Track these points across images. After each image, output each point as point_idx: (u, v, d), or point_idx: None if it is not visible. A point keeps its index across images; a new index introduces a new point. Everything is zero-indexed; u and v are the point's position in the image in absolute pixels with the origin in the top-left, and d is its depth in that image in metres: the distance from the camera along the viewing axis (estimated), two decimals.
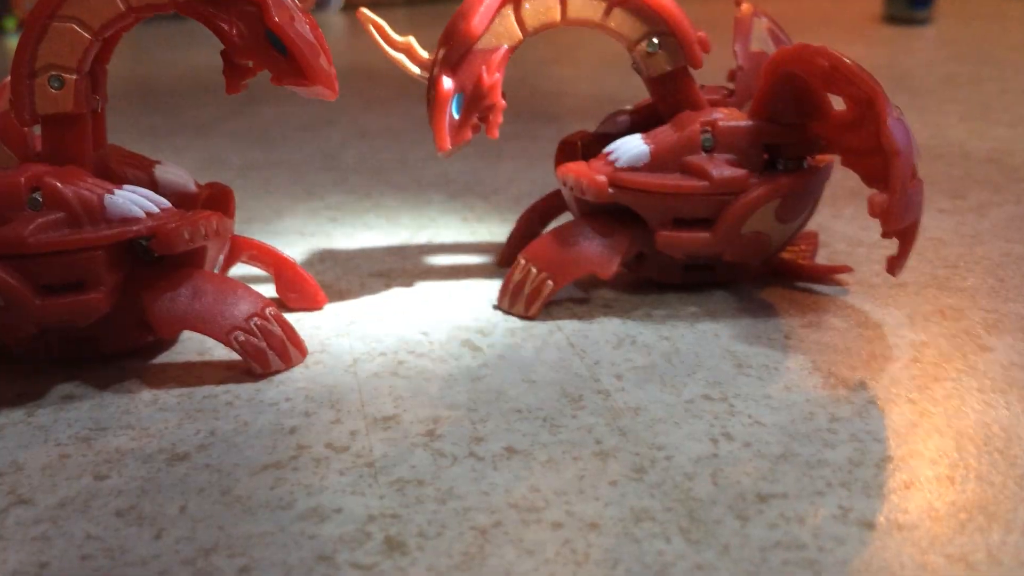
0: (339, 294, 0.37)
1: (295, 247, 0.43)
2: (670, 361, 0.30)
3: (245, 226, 0.46)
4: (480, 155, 0.57)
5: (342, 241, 0.43)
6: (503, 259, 0.39)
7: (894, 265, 0.28)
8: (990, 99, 0.65)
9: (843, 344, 0.30)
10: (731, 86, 0.37)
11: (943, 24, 1.01)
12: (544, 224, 0.39)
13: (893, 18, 1.02)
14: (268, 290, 0.36)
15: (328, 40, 0.31)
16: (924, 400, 0.27)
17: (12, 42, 1.32)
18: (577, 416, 0.27)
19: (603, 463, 0.24)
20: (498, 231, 0.44)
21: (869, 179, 0.30)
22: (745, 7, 0.37)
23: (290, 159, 0.58)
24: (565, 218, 0.40)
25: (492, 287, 0.37)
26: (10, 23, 1.41)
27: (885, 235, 0.28)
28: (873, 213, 0.27)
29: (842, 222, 0.41)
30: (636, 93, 0.35)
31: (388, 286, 0.38)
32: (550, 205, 0.38)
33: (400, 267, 0.40)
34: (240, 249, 0.35)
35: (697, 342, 0.31)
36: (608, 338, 0.32)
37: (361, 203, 0.49)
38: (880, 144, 0.28)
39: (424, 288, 0.37)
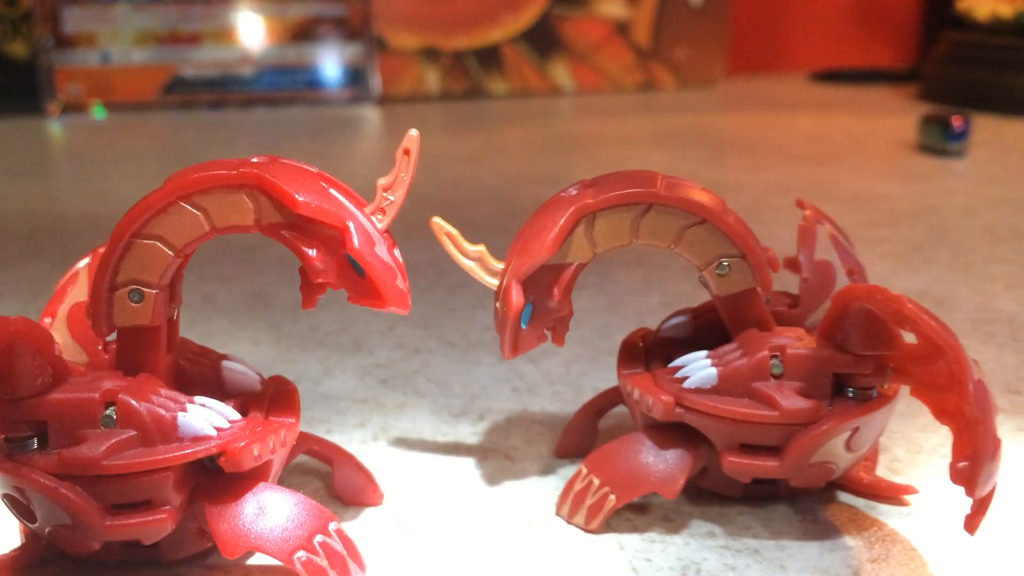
0: (394, 484, 0.37)
1: (347, 417, 0.43)
2: None
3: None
4: None
5: (394, 411, 0.43)
6: (559, 451, 0.39)
7: (972, 525, 0.28)
8: None
9: None
10: (792, 288, 0.37)
11: (978, 157, 1.02)
12: (600, 417, 0.39)
13: (927, 148, 1.03)
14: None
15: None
16: None
17: (54, 127, 1.35)
18: None
19: None
20: (550, 406, 0.44)
21: (939, 414, 0.30)
22: (809, 214, 0.37)
23: (336, 297, 0.58)
24: (620, 411, 0.40)
25: (548, 484, 0.37)
26: (55, 107, 1.44)
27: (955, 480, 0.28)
28: (956, 482, 0.27)
29: (901, 423, 0.41)
30: None
31: (444, 475, 0.37)
32: (607, 401, 0.38)
33: (455, 448, 0.40)
34: (301, 444, 0.35)
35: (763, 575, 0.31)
36: (672, 564, 0.31)
37: (410, 362, 0.49)
38: (951, 383, 0.28)
39: (480, 480, 0.37)
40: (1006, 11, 1.31)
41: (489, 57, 1.54)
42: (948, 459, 0.28)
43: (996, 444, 0.27)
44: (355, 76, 1.49)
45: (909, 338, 0.31)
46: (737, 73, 1.75)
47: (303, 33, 1.47)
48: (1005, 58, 1.30)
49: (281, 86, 1.47)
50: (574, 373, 0.47)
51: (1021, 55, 1.28)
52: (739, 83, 1.69)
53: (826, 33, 1.84)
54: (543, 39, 1.55)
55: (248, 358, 0.35)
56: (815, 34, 1.84)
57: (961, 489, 0.27)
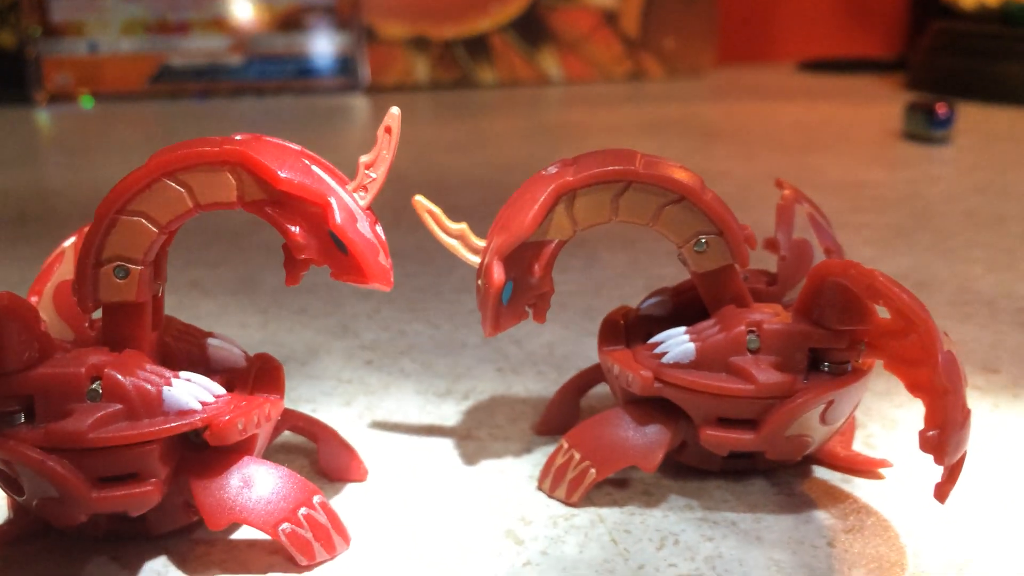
0: (379, 461, 0.37)
1: (333, 396, 0.43)
2: (715, 569, 0.30)
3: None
4: None
5: (380, 391, 0.44)
6: (540, 428, 0.39)
7: (942, 493, 0.28)
8: (1014, 244, 0.65)
9: (888, 558, 0.30)
10: (771, 266, 0.38)
11: (962, 143, 1.03)
12: (582, 395, 0.39)
13: (912, 136, 1.03)
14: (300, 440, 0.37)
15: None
16: None
17: (42, 117, 1.35)
18: None
19: None
20: (533, 386, 0.44)
21: (912, 387, 0.31)
22: (787, 193, 0.38)
23: (324, 280, 0.59)
24: (601, 390, 0.40)
25: (531, 459, 0.37)
26: (42, 97, 1.43)
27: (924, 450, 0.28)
28: (925, 450, 0.28)
29: (877, 400, 0.41)
30: None
31: (429, 453, 0.38)
32: (589, 378, 0.39)
33: (439, 428, 0.40)
34: (286, 421, 0.35)
35: (740, 546, 0.31)
36: (650, 535, 0.32)
37: (396, 343, 0.49)
38: (923, 356, 0.29)
39: (464, 456, 0.37)
40: (992, 0, 1.32)
41: (478, 47, 1.54)
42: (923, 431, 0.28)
43: (965, 414, 0.28)
44: (344, 65, 1.49)
45: (884, 315, 0.31)
46: (725, 63, 1.75)
47: (292, 22, 1.47)
48: (991, 47, 1.30)
49: (270, 75, 1.47)
50: (558, 354, 0.48)
51: (1006, 44, 1.29)
52: (727, 73, 1.70)
53: (814, 23, 1.85)
54: (532, 29, 1.55)
55: (235, 340, 0.35)
56: (803, 24, 1.85)
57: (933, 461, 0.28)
